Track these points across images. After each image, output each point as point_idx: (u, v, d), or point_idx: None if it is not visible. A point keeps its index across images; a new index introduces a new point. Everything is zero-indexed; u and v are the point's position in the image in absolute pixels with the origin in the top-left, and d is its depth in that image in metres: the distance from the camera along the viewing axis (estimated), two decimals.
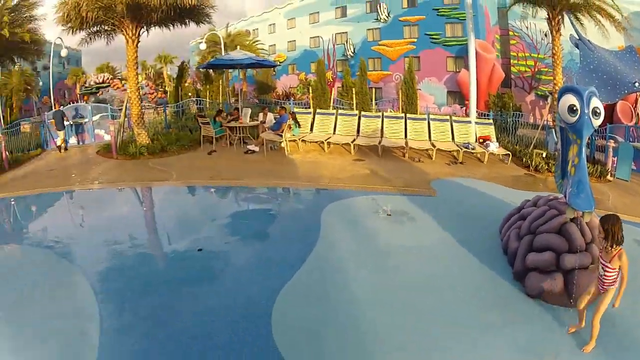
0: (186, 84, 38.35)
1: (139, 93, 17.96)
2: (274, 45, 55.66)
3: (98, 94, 36.52)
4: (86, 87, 41.19)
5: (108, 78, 40.26)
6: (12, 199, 12.02)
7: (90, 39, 17.74)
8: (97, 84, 38.70)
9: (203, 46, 35.21)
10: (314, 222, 8.91)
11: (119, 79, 42.28)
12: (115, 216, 10.62)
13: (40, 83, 47.86)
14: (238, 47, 23.86)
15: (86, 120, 20.25)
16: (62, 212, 11.84)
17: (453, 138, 16.04)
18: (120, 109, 20.94)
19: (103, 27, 17.11)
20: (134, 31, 16.54)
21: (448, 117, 16.54)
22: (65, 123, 18.63)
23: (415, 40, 40.43)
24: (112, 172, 14.04)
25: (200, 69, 31.75)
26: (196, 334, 5.44)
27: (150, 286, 6.74)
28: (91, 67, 66.69)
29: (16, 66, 24.37)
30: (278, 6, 55.91)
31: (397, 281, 6.65)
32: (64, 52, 29.16)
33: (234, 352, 5.10)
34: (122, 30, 16.62)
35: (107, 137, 18.61)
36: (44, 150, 19.41)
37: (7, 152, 16.65)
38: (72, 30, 16.67)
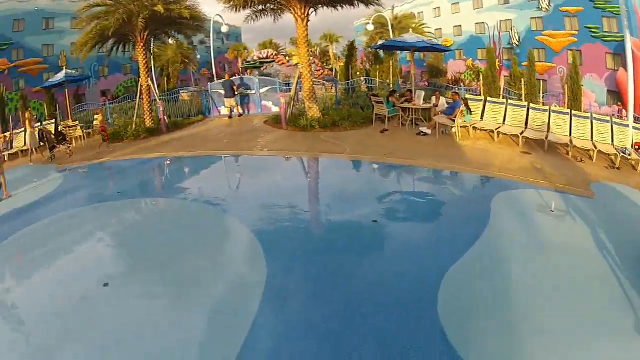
0: (359, 64, 40.05)
1: (311, 69, 18.62)
2: (440, 29, 55.31)
3: (262, 69, 37.90)
4: (247, 62, 43.77)
5: (272, 54, 41.56)
6: (167, 160, 13.95)
7: (256, 16, 18.77)
8: (261, 59, 40.33)
9: (371, 27, 36.73)
10: (483, 208, 9.04)
11: (283, 55, 44.17)
12: (291, 183, 11.41)
13: (198, 56, 51.63)
14: (411, 30, 23.69)
15: (253, 91, 21.96)
16: (235, 173, 12.98)
17: (612, 141, 15.29)
18: (286, 84, 22.63)
19: (269, 5, 18.07)
20: (302, 10, 17.25)
21: (609, 118, 15.78)
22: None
23: (577, 32, 39.22)
24: (282, 142, 14.90)
25: (372, 49, 32.76)
26: (363, 302, 5.74)
27: (320, 252, 7.18)
28: (252, 43, 69.82)
29: (170, 40, 26.61)
30: None
31: (557, 278, 6.65)
32: (224, 29, 31.96)
33: (398, 322, 5.38)
34: (290, 10, 17.41)
35: (275, 109, 20.23)
36: (206, 117, 21.90)
37: (165, 117, 19.38)
38: (236, 9, 17.86)
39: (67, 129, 20.33)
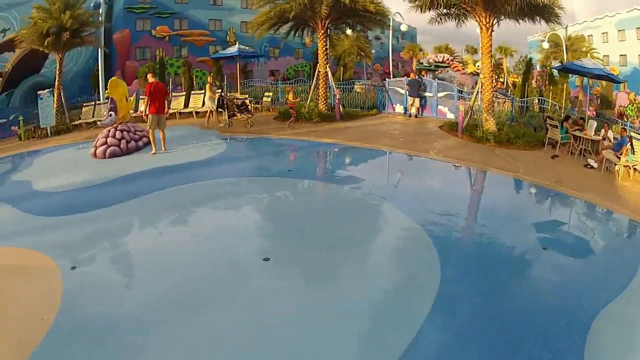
0: (533, 81, 37.70)
1: (492, 80, 18.22)
2: (607, 56, 51.32)
3: (437, 72, 38.11)
4: (420, 63, 43.50)
5: (448, 59, 41.27)
6: (338, 148, 14.22)
7: (440, 19, 18.56)
8: (436, 62, 40.08)
9: (546, 45, 36.80)
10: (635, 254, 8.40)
11: (457, 61, 43.52)
12: (465, 193, 11.34)
13: (372, 51, 51.22)
14: (588, 54, 22.54)
15: (430, 94, 21.19)
16: (409, 173, 12.92)
17: None
18: (459, 91, 21.64)
19: (453, 10, 17.81)
20: (487, 20, 16.81)
21: None
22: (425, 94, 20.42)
23: None
24: (457, 150, 14.53)
25: (555, 69, 30.44)
26: (520, 322, 5.49)
27: (487, 266, 6.98)
28: (426, 45, 70.61)
29: (349, 31, 25.73)
30: (609, 14, 51.90)
31: None
32: (403, 27, 32.41)
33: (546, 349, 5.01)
34: (475, 17, 17.16)
35: (450, 115, 19.60)
36: (380, 112, 22.05)
37: (341, 106, 19.73)
38: (422, 9, 17.58)
39: (235, 100, 20.86)
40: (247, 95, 22.37)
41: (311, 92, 22.25)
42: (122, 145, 14.69)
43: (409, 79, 21.73)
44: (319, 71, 21.26)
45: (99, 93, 27.70)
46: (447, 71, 39.03)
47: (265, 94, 25.01)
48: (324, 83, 21.26)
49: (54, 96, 23.43)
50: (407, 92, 21.35)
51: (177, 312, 5.58)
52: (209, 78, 19.57)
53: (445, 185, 11.87)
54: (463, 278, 6.44)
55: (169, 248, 7.52)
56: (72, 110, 26.16)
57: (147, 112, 13.82)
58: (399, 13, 30.79)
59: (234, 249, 7.27)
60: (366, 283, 6.17)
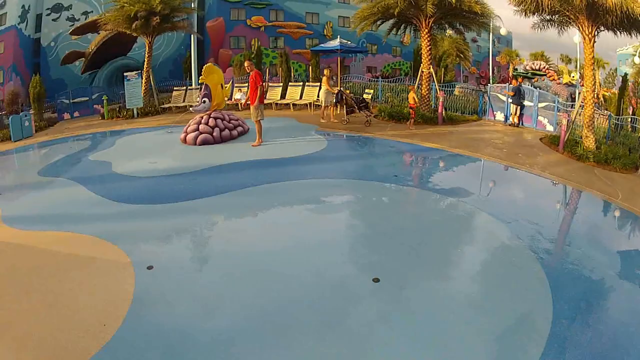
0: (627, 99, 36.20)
1: (594, 94, 17.36)
2: None
3: (533, 80, 36.35)
4: (515, 69, 42.32)
5: (544, 67, 39.75)
6: (439, 154, 13.20)
7: (544, 25, 17.59)
8: (533, 69, 38.65)
9: (638, 60, 34.69)
10: None
11: (553, 70, 41.47)
12: (571, 216, 10.03)
13: (470, 53, 49.78)
14: None
15: (531, 104, 19.84)
16: (515, 188, 11.60)
17: None
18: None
19: (556, 17, 16.85)
20: (589, 29, 15.81)
21: None
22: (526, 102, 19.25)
23: None
24: (560, 167, 13.28)
25: None
26: None
27: (601, 306, 5.86)
28: (521, 51, 67.93)
29: (449, 31, 24.33)
30: None
31: None
32: (503, 31, 31.24)
33: None
34: (577, 26, 16.24)
35: (549, 127, 18.40)
36: (480, 118, 20.82)
37: (443, 109, 18.78)
38: (525, 13, 16.73)
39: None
40: (348, 91, 20.82)
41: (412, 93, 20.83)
42: (215, 134, 13.36)
43: (513, 86, 20.35)
44: (422, 71, 20.19)
45: (190, 78, 27.14)
46: (543, 79, 37.39)
47: (366, 90, 23.58)
48: (427, 84, 20.18)
49: (142, 78, 22.96)
50: (510, 99, 20.15)
51: (270, 338, 4.64)
52: (325, 71, 18.21)
53: (552, 207, 10.61)
54: (576, 317, 5.32)
55: (264, 258, 6.32)
56: (161, 93, 25.87)
57: (251, 101, 12.73)
58: (499, 17, 28.94)
59: (338, 266, 6.17)
60: (478, 317, 5.14)
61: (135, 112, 21.57)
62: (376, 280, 5.65)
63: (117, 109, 22.66)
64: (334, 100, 17.63)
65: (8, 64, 31.20)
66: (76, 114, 24.24)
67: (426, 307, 5.23)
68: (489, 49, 57.22)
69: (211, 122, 13.49)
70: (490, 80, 36.19)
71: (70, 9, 33.89)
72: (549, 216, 9.50)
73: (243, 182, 9.53)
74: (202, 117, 13.66)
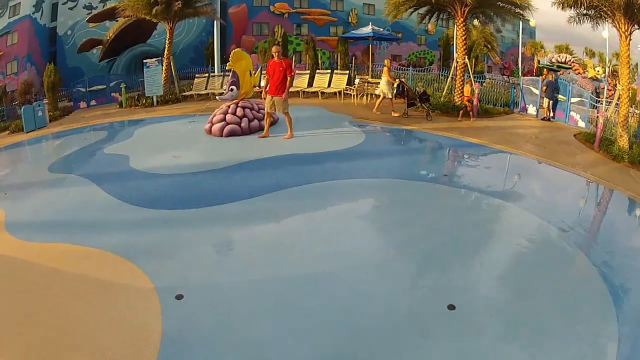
0: None
1: (629, 92, 16.38)
2: None
3: (559, 73, 34.40)
4: (541, 62, 41.43)
5: (570, 60, 39.07)
6: (483, 151, 12.05)
7: (579, 20, 17.07)
8: (559, 62, 37.46)
9: None
10: None
11: (578, 64, 41.18)
12: (622, 223, 8.84)
13: (496, 44, 49.75)
14: None
15: (563, 98, 19.14)
16: (561, 189, 10.39)
17: None
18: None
19: (593, 11, 16.39)
20: (626, 27, 15.54)
21: None
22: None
23: None
24: (599, 167, 12.31)
25: None
26: None
27: None
28: (545, 43, 67.04)
29: (475, 21, 23.02)
30: None
31: None
32: (532, 23, 30.98)
33: None
34: (614, 23, 15.89)
35: (581, 124, 17.73)
36: (511, 111, 20.00)
37: (478, 102, 17.88)
38: (563, 6, 16.40)
39: (366, 84, 19.27)
40: (379, 81, 19.47)
41: (448, 83, 20.09)
42: (243, 124, 12.08)
43: (548, 80, 19.59)
44: (456, 61, 19.25)
45: (212, 65, 26.10)
46: (569, 73, 36.37)
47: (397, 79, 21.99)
48: (461, 75, 19.15)
49: (162, 65, 21.83)
50: (544, 93, 19.34)
51: None
52: (386, 62, 17.23)
53: (602, 213, 9.57)
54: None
55: (320, 283, 5.11)
56: (182, 80, 24.93)
57: (279, 92, 11.51)
58: (536, 8, 28.19)
59: (405, 290, 5.11)
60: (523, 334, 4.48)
61: (154, 100, 20.47)
62: (451, 307, 4.71)
63: (136, 97, 21.62)
64: (395, 92, 16.46)
65: (23, 54, 30.62)
66: (93, 102, 23.32)
67: (496, 333, 4.50)
68: (513, 39, 56.60)
69: (239, 111, 12.24)
70: (520, 72, 35.21)
71: None
72: (603, 224, 8.61)
73: (279, 181, 8.27)
74: (228, 107, 12.43)
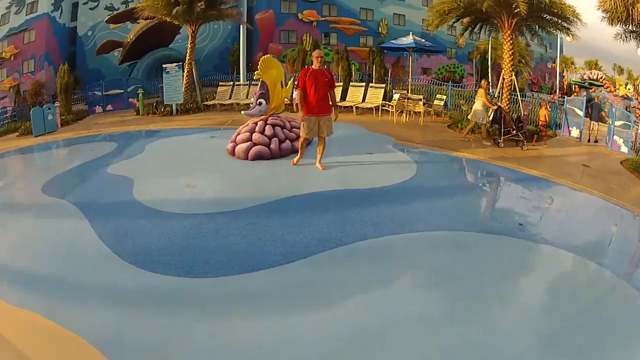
0: None
1: None
2: None
3: (590, 90, 33.29)
4: (573, 80, 38.64)
5: (601, 77, 36.62)
6: (550, 187, 10.17)
7: (626, 37, 17.28)
8: (591, 79, 35.26)
9: None
10: None
11: (608, 81, 38.99)
12: None
13: (530, 59, 47.14)
14: None
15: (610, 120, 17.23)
16: (618, 228, 8.62)
17: None
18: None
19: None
20: None
21: None
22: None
23: None
24: None
25: None
26: None
27: None
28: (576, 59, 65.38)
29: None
30: None
31: None
32: (569, 38, 26.92)
33: None
34: None
35: (624, 149, 15.86)
36: (555, 133, 17.81)
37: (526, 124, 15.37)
38: (612, 22, 16.58)
39: (406, 100, 16.83)
40: (421, 97, 17.59)
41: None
42: (272, 146, 9.82)
43: (594, 102, 18.61)
44: (503, 78, 17.25)
45: (238, 73, 24.16)
46: (601, 91, 34.02)
47: (438, 95, 20.06)
48: (507, 92, 17.05)
49: (183, 71, 19.91)
50: (588, 114, 17.69)
51: None
52: (483, 83, 15.10)
53: None
54: None
55: None
56: (205, 87, 23.33)
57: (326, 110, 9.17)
58: (585, 24, 26.31)
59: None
60: None
61: (173, 108, 18.55)
62: None
63: (154, 104, 19.73)
64: (490, 119, 14.37)
65: (40, 53, 29.44)
66: (109, 107, 21.61)
67: None
68: (542, 54, 54.20)
69: (268, 130, 10.02)
70: (557, 89, 33.74)
71: None
72: None
73: (323, 235, 6.00)
74: (256, 124, 10.21)
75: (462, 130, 15.12)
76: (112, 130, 15.62)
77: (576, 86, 35.71)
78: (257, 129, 10.03)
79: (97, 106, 21.49)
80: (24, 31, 29.78)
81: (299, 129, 10.33)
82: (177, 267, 5.09)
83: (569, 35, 20.93)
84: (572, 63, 58.34)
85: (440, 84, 23.81)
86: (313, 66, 8.94)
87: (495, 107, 14.32)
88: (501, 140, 13.91)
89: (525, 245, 6.39)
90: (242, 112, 10.26)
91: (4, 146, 15.14)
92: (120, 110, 21.16)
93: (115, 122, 17.63)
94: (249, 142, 9.79)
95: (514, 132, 13.95)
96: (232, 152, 9.96)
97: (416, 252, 5.83)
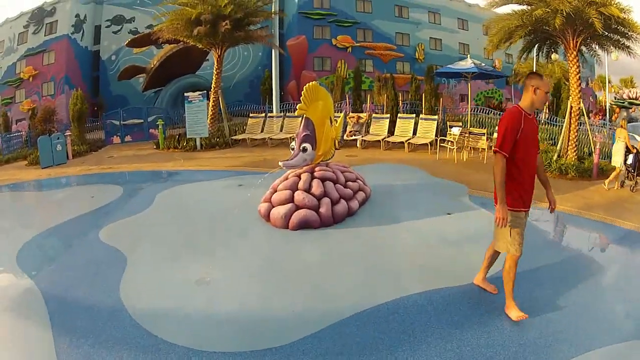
0: None
1: None
2: None
3: (631, 110, 32.61)
4: (616, 99, 36.84)
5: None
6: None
7: None
8: (630, 99, 34.28)
9: None
10: None
11: None
12: None
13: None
14: None
15: None
16: None
17: None
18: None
19: None
20: None
21: None
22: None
23: None
24: None
25: None
26: None
27: None
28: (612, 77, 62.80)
29: (554, 55, 18.57)
30: None
31: None
32: (614, 56, 25.27)
33: None
34: None
35: None
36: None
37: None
38: None
39: (467, 135, 14.48)
40: (484, 131, 15.18)
41: (562, 135, 14.96)
42: (322, 210, 6.74)
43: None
44: (571, 106, 14.67)
45: (270, 102, 21.59)
46: (635, 110, 33.26)
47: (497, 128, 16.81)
48: (575, 122, 14.54)
49: (209, 100, 17.37)
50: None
51: None
52: (622, 122, 13.14)
53: None
54: None
55: None
56: (235, 117, 21.65)
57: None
58: None
59: None
60: None
61: (197, 142, 15.99)
62: None
63: (177, 137, 17.13)
64: (631, 164, 11.63)
65: (60, 75, 27.89)
66: (128, 138, 19.37)
67: None
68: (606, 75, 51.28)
69: (316, 186, 6.98)
70: (608, 113, 30.94)
71: (133, 21, 30.45)
72: None
73: None
74: (299, 177, 7.23)
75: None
76: (123, 168, 13.27)
77: (616, 107, 33.99)
78: (301, 184, 7.03)
79: (115, 136, 19.22)
80: (42, 52, 28.36)
81: (355, 180, 7.49)
82: None
83: (631, 54, 18.46)
84: (609, 81, 55.12)
85: (497, 112, 21.32)
86: (522, 105, 4.28)
87: (635, 152, 11.68)
88: (634, 183, 11.37)
89: None
90: (281, 163, 6.94)
91: (2, 177, 13.55)
92: (139, 142, 18.93)
93: (130, 156, 15.30)
94: (289, 205, 6.78)
95: None
96: (267, 217, 6.98)
97: None
